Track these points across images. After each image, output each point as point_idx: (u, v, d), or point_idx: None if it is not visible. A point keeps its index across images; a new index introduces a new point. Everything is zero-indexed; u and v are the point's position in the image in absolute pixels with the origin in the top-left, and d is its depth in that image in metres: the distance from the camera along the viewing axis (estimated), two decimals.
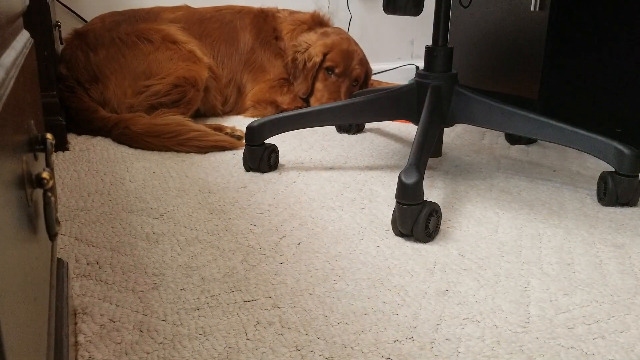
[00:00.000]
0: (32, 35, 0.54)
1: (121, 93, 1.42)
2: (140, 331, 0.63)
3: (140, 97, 1.42)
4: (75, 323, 0.65)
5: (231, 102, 1.63)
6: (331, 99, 1.58)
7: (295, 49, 1.63)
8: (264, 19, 1.67)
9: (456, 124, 1.20)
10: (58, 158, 1.22)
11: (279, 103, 1.61)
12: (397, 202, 0.85)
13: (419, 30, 2.07)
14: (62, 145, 1.27)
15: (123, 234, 0.87)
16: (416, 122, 1.14)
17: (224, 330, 0.64)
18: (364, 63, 1.66)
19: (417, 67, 2.02)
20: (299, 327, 0.64)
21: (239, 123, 1.52)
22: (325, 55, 1.59)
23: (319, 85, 1.61)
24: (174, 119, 1.33)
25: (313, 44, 1.61)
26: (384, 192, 1.05)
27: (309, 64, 1.59)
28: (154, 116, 1.36)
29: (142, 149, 1.29)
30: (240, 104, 1.64)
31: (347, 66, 1.61)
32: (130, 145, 1.30)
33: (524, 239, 0.87)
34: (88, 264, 0.78)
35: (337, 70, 1.59)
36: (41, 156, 0.45)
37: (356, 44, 1.66)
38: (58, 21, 1.50)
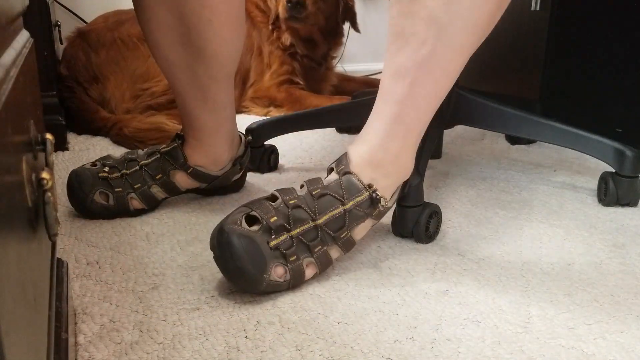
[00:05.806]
0: (32, 35, 0.54)
1: (119, 95, 1.42)
2: (140, 331, 0.63)
3: (137, 101, 1.43)
4: (75, 323, 0.65)
5: (236, 97, 1.64)
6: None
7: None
8: (257, 6, 1.69)
9: (456, 125, 1.20)
10: (58, 158, 1.22)
11: (278, 100, 1.62)
12: (397, 203, 0.85)
13: None
14: (62, 145, 1.27)
15: (123, 234, 0.87)
16: None
17: (224, 330, 0.64)
18: None
19: None
20: (298, 327, 0.64)
21: (240, 123, 1.52)
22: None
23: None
24: (155, 124, 1.31)
25: None
26: None
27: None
28: (142, 118, 1.35)
29: None
30: (242, 100, 1.65)
31: None
32: (126, 146, 1.30)
33: (524, 239, 0.87)
34: (88, 264, 0.78)
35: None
36: (41, 156, 0.45)
37: None
38: (58, 21, 1.50)
